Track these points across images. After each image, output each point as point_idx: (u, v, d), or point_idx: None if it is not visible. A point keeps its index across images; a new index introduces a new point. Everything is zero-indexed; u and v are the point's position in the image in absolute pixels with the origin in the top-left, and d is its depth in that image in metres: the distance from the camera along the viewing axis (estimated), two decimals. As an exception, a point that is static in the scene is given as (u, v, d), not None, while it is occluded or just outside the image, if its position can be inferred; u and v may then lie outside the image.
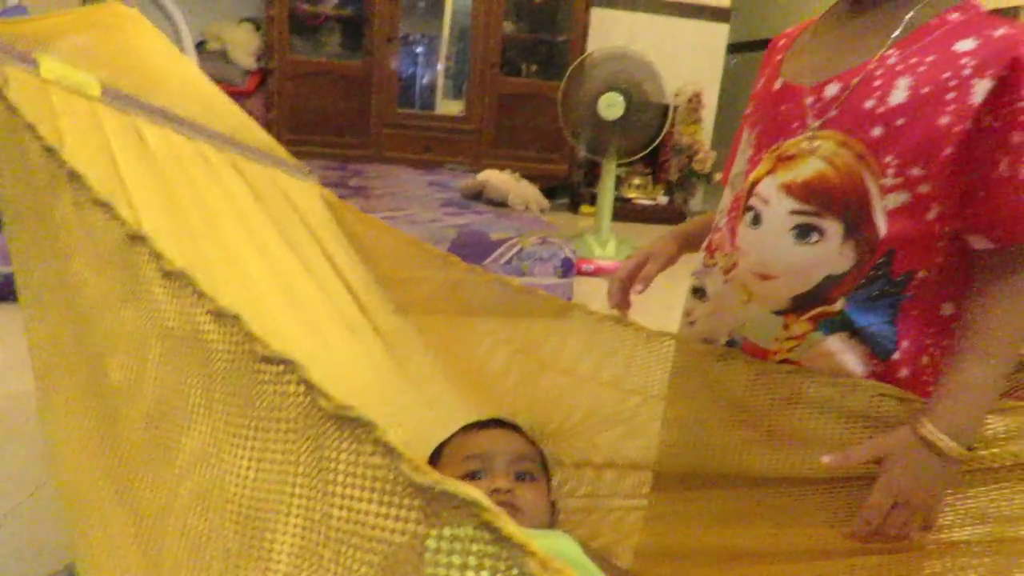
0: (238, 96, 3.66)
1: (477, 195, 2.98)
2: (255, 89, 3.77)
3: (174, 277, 0.47)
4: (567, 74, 3.21)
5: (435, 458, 0.94)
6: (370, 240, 1.22)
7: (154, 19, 1.15)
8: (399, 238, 1.16)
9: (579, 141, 3.34)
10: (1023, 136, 0.56)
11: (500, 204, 2.92)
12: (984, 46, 0.58)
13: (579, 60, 3.27)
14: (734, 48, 4.95)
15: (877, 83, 0.61)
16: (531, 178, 3.24)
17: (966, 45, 0.58)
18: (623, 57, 3.17)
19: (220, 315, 0.44)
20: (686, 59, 4.41)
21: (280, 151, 1.28)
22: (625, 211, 4.04)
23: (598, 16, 4.09)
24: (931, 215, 0.61)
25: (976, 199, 0.59)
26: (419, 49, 4.26)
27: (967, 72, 0.57)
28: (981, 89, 0.57)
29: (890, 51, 0.62)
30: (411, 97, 4.30)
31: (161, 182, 0.87)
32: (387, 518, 0.34)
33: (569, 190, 4.38)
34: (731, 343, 0.74)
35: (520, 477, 0.88)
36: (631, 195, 4.28)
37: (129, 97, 0.94)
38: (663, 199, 4.30)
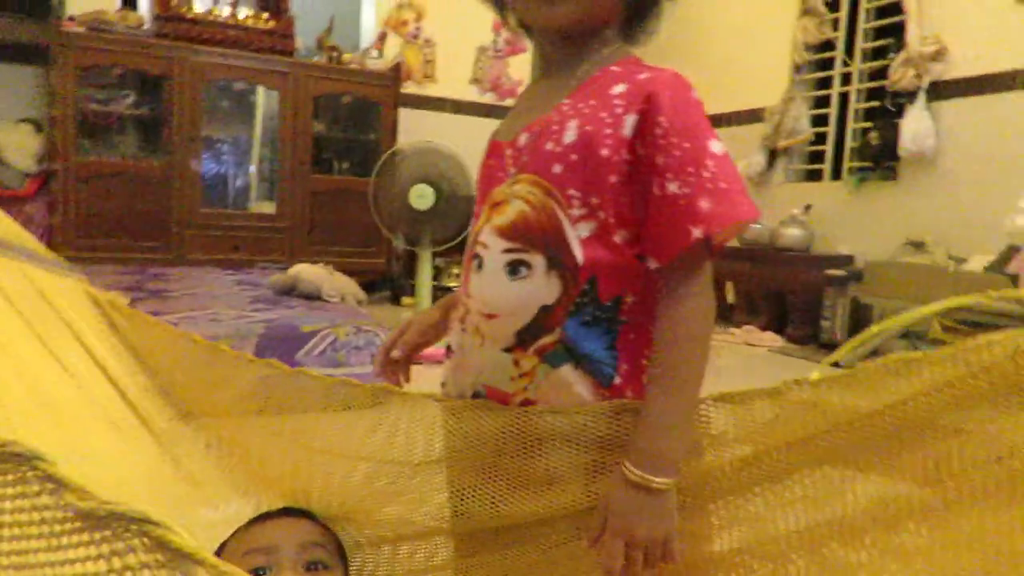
0: (16, 200, 3.35)
1: (289, 290, 2.89)
2: (35, 193, 3.47)
3: None
4: (377, 168, 3.28)
5: (217, 557, 0.86)
6: (145, 339, 1.13)
7: None
8: (180, 336, 1.08)
9: (394, 233, 3.38)
10: (665, 158, 0.63)
11: (314, 297, 2.85)
12: (631, 88, 0.67)
13: (388, 154, 3.36)
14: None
15: (554, 127, 0.68)
16: (349, 272, 3.21)
17: (619, 89, 0.67)
18: (430, 151, 3.30)
19: None
20: (493, 154, 4.66)
21: (32, 244, 1.17)
22: (447, 300, 4.10)
23: (406, 115, 4.26)
24: (618, 239, 0.67)
25: (644, 221, 0.66)
26: (225, 149, 4.17)
27: (619, 110, 0.66)
28: (630, 122, 0.65)
29: (565, 101, 0.70)
30: (222, 197, 4.17)
31: None
32: (55, 550, 0.31)
33: (390, 283, 4.39)
34: (476, 395, 0.75)
35: (311, 567, 0.82)
36: (451, 284, 4.36)
37: None
38: (482, 286, 4.41)
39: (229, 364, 0.96)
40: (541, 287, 0.68)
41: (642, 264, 0.68)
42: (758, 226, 4.10)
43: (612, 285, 0.67)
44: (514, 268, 0.69)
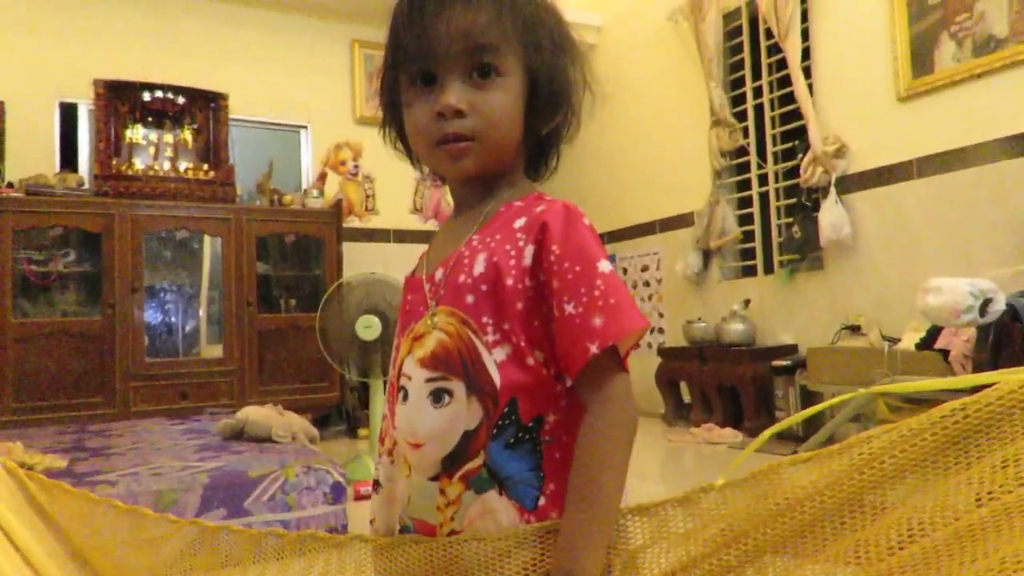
0: (-52, 370, 3.25)
1: (238, 434, 2.82)
2: (-30, 359, 3.38)
3: None
4: (322, 303, 3.31)
5: None
6: (63, 509, 1.08)
7: None
8: (98, 503, 1.03)
9: (344, 365, 3.37)
10: (559, 282, 0.67)
11: (264, 440, 2.78)
12: (529, 221, 0.72)
13: (333, 288, 3.40)
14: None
15: (466, 261, 0.73)
16: (303, 409, 3.16)
17: (520, 222, 0.72)
18: (374, 282, 3.35)
19: None
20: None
21: None
22: (404, 427, 4.03)
23: (350, 249, 4.35)
24: (532, 361, 0.69)
25: (552, 342, 0.69)
26: (170, 297, 4.16)
27: (520, 243, 0.71)
28: (528, 253, 0.70)
29: (475, 236, 0.75)
30: (169, 345, 4.11)
31: None
32: None
33: (345, 416, 4.31)
34: (404, 529, 0.75)
35: None
36: (408, 410, 4.30)
37: None
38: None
39: (152, 527, 0.93)
40: (463, 412, 0.69)
41: (560, 383, 0.70)
42: (703, 324, 4.22)
43: (532, 405, 0.69)
44: (437, 396, 0.71)
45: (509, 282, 0.69)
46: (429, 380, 0.72)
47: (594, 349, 0.65)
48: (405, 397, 0.74)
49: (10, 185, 3.61)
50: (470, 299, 0.71)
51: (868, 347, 3.18)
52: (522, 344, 0.69)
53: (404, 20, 0.74)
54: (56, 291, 3.69)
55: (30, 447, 2.51)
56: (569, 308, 0.67)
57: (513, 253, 0.71)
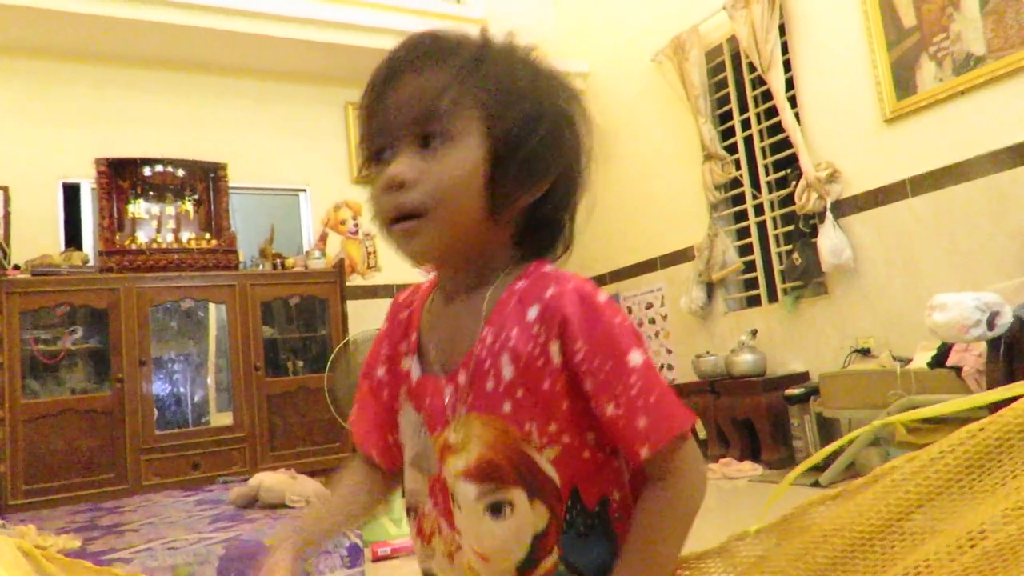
0: (-42, 456, 3.23)
1: (252, 502, 2.79)
2: (-20, 444, 3.36)
3: None
4: (329, 363, 3.31)
5: None
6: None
7: None
8: None
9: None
10: (593, 383, 0.63)
11: (279, 506, 2.75)
12: (544, 311, 0.65)
13: (340, 346, 3.41)
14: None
15: (487, 364, 0.66)
16: (315, 472, 3.13)
17: (533, 313, 0.65)
18: (380, 338, 3.36)
19: None
20: (445, 329, 4.77)
21: None
22: (418, 483, 3.98)
23: (354, 307, 4.36)
24: (587, 453, 0.67)
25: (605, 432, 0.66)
26: (178, 367, 4.16)
27: (542, 339, 0.64)
28: (555, 351, 0.64)
29: (486, 332, 0.67)
30: (179, 416, 4.10)
31: None
32: None
33: (359, 475, 4.26)
34: None
35: None
36: (422, 466, 4.25)
37: None
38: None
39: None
40: (528, 518, 0.65)
41: (618, 458, 0.68)
42: (712, 357, 4.20)
43: (595, 489, 0.66)
44: (495, 508, 0.66)
45: (546, 385, 0.65)
46: (482, 495, 0.66)
47: (645, 453, 0.62)
48: (459, 506, 0.68)
49: (16, 267, 3.65)
50: (507, 407, 0.66)
51: (880, 369, 3.15)
52: (574, 441, 0.66)
53: (363, 100, 0.70)
54: (64, 369, 3.70)
55: (43, 529, 2.48)
56: (610, 409, 0.63)
57: (538, 352, 0.64)
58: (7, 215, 3.87)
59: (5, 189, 3.88)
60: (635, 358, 0.63)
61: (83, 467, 3.47)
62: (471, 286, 0.71)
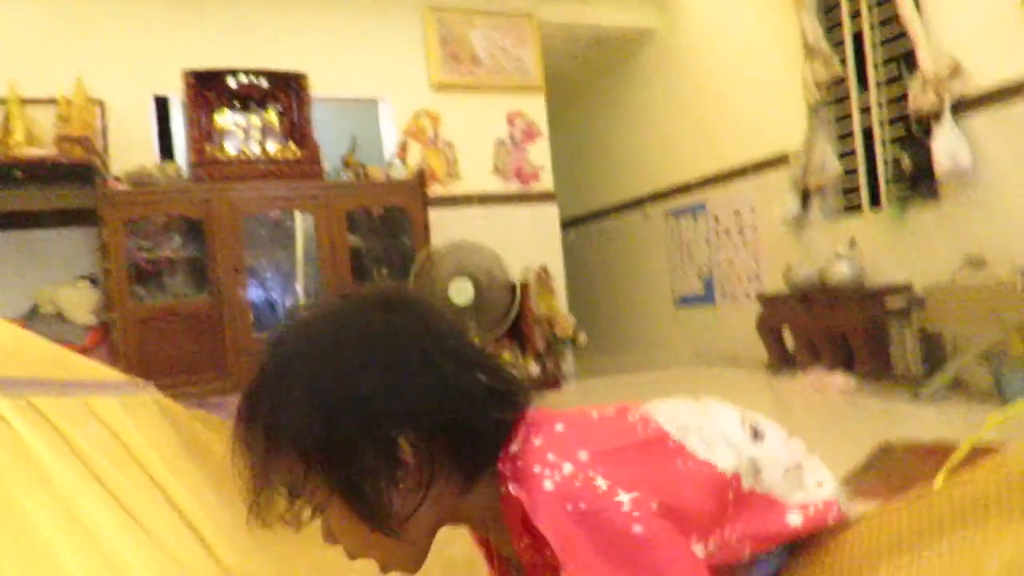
0: (79, 353, 3.48)
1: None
2: (96, 344, 3.61)
3: None
4: (413, 272, 3.34)
5: None
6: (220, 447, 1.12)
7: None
8: None
9: (439, 331, 3.40)
10: None
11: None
12: (538, 534, 0.59)
13: (422, 256, 3.42)
14: (567, 224, 5.37)
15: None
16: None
17: (528, 536, 0.62)
18: (463, 247, 3.36)
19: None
20: (526, 239, 4.75)
21: (98, 373, 1.19)
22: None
23: (436, 216, 4.36)
24: None
25: None
26: (269, 275, 4.30)
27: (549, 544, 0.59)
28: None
29: (521, 547, 0.65)
30: (273, 320, 4.26)
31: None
32: None
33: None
34: None
35: None
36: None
37: None
38: (535, 368, 4.38)
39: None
40: None
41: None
42: (805, 269, 4.01)
43: None
44: None
45: None
46: None
47: None
48: None
49: (116, 178, 3.79)
50: None
51: (996, 282, 2.92)
52: None
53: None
54: (167, 276, 3.88)
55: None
56: None
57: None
58: (104, 128, 3.99)
59: (101, 104, 3.99)
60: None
61: (187, 367, 3.68)
62: (481, 531, 0.71)
